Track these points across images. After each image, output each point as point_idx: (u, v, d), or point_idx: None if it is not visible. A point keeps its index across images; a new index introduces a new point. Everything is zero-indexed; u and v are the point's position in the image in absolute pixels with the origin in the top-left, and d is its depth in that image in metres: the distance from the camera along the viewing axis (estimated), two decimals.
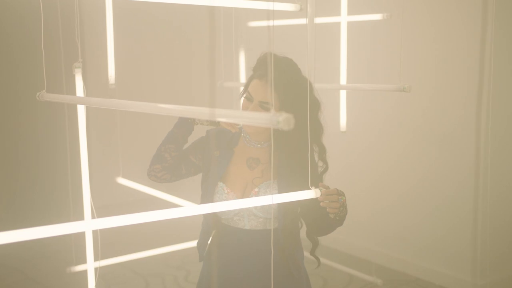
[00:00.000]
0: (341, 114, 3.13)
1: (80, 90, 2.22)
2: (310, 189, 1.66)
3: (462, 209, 3.64)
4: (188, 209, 1.43)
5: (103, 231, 1.96)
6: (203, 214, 1.91)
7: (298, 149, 1.81)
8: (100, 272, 2.71)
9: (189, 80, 5.26)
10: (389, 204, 4.12)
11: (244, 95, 1.84)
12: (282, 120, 1.15)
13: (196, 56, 5.18)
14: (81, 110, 2.26)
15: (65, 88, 2.60)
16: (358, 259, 4.25)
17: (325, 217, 1.82)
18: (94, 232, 2.25)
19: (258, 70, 1.84)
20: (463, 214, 3.64)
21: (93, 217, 2.27)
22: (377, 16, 3.18)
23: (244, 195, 1.88)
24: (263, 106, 1.78)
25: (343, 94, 3.15)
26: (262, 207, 1.84)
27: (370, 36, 4.07)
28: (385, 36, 3.96)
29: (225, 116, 1.38)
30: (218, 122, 1.94)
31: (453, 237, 3.71)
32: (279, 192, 1.83)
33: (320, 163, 1.91)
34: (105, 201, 4.81)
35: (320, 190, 1.68)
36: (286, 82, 1.77)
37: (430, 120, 3.82)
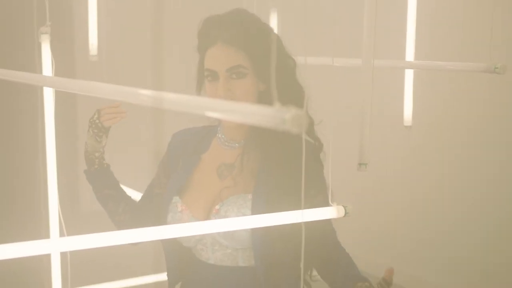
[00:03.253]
0: (405, 102, 2.84)
1: (47, 64, 2.06)
2: (331, 205, 1.42)
3: None
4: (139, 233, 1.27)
5: (76, 252, 1.76)
6: (161, 242, 1.72)
7: (285, 143, 1.59)
8: None
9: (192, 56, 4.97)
10: (469, 222, 3.91)
11: (207, 78, 1.63)
12: (290, 118, 0.92)
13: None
14: (48, 93, 2.09)
15: (37, 62, 2.26)
16: None
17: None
18: (63, 254, 2.17)
19: (207, 39, 1.63)
20: None
21: (62, 233, 2.14)
22: None
23: (209, 214, 1.65)
24: (236, 73, 1.59)
25: (409, 75, 2.83)
26: (228, 232, 1.60)
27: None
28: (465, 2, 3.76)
29: (208, 109, 1.13)
30: (103, 126, 1.75)
31: None
32: (253, 211, 1.58)
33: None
34: (90, 208, 4.65)
35: None
36: (252, 34, 1.60)
37: None
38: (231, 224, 1.35)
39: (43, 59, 2.06)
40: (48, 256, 2.22)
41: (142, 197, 1.85)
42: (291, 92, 1.62)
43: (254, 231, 1.57)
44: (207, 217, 1.65)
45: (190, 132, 1.81)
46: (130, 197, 1.85)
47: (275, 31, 3.26)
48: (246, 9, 1.66)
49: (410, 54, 2.79)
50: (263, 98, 1.62)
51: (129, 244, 1.86)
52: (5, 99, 4.54)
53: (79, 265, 2.51)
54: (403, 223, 4.24)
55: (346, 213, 1.42)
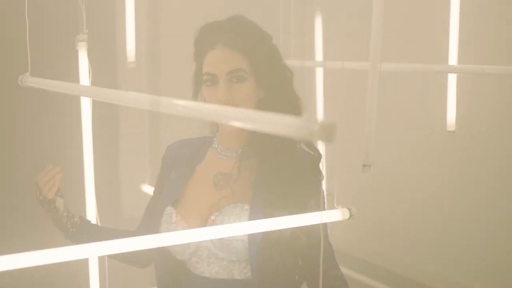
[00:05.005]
0: (448, 107, 2.82)
1: (84, 72, 2.06)
2: (336, 208, 1.42)
3: None
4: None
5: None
6: (153, 256, 1.68)
7: (282, 152, 1.57)
8: None
9: None
10: None
11: (206, 82, 1.58)
12: (319, 129, 0.89)
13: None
14: (85, 102, 2.12)
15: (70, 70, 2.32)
16: None
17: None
18: (101, 258, 2.16)
19: (206, 43, 1.59)
20: None
21: None
22: None
23: (205, 224, 1.59)
24: (236, 77, 1.55)
25: (452, 79, 2.81)
26: (224, 243, 1.54)
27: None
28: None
29: (240, 119, 1.09)
30: (49, 199, 1.72)
31: None
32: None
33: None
34: (131, 213, 4.63)
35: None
36: (252, 39, 1.57)
37: None
38: (234, 231, 1.32)
39: (80, 67, 2.05)
40: (86, 261, 2.23)
41: (142, 218, 1.82)
42: (289, 102, 1.61)
43: (251, 242, 1.53)
44: (202, 227, 1.60)
45: (184, 143, 1.76)
46: (121, 231, 1.82)
47: (319, 33, 3.24)
48: (244, 15, 1.64)
49: (453, 58, 2.76)
50: (262, 106, 1.57)
51: (138, 266, 1.84)
52: (49, 105, 4.57)
53: (117, 270, 2.53)
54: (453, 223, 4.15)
55: (351, 215, 1.39)
